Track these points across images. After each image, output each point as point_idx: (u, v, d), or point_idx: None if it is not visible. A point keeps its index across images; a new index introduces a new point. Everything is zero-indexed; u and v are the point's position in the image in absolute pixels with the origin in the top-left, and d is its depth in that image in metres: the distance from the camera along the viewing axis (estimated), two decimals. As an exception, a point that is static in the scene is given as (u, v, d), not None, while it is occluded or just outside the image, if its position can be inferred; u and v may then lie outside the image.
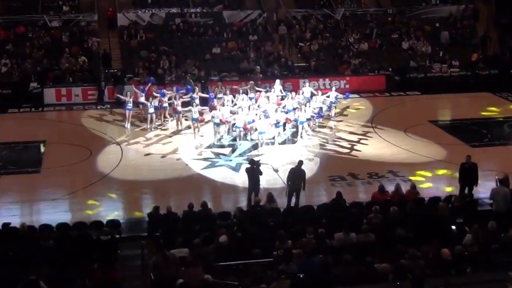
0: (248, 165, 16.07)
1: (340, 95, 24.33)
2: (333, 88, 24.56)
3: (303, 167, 15.74)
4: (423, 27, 33.07)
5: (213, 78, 27.46)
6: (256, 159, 16.61)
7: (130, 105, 22.55)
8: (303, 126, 21.18)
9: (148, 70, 27.71)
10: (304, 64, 30.33)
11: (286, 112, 21.54)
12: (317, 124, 22.44)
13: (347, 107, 25.76)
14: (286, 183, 15.68)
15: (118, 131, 22.73)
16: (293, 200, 15.41)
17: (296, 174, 15.50)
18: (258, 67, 27.77)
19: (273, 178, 17.30)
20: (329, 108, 23.73)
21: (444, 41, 32.44)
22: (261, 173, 15.72)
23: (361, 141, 21.39)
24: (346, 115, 24.64)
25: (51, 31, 30.31)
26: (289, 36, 31.90)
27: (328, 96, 23.63)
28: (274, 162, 18.91)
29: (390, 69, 29.84)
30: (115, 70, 28.46)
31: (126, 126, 22.73)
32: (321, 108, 22.78)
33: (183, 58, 29.21)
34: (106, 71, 28.20)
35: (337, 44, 31.68)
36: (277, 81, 24.40)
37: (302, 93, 23.43)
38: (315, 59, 29.97)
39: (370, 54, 31.05)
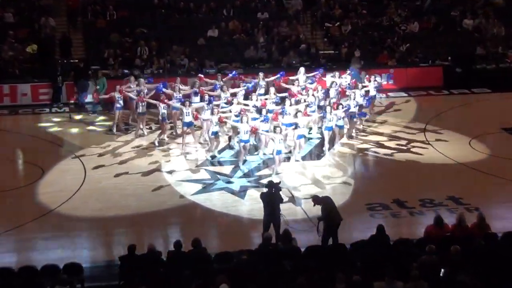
0: (265, 189, 16.13)
1: (378, 80, 24.31)
2: (372, 79, 24.26)
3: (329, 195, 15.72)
4: (493, 2, 33.11)
5: (208, 71, 27.55)
6: (275, 180, 16.65)
7: (120, 104, 23.12)
8: (328, 133, 21.20)
9: (121, 59, 27.84)
10: (333, 51, 30.44)
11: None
12: (348, 129, 22.31)
13: (392, 108, 25.81)
14: (318, 220, 15.57)
15: (80, 142, 22.82)
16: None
17: (333, 206, 15.51)
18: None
19: (288, 208, 17.28)
20: (368, 103, 23.37)
21: (523, 19, 32.52)
22: (281, 200, 15.88)
23: (411, 155, 21.39)
24: (389, 120, 24.71)
25: (-10, 8, 30.58)
26: (312, 14, 31.99)
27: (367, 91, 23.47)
28: (291, 185, 18.94)
29: (449, 58, 29.87)
30: (77, 61, 28.60)
31: (113, 130, 23.38)
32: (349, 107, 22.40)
33: (168, 43, 29.33)
34: (65, 61, 28.33)
35: (377, 24, 31.76)
36: (301, 69, 24.53)
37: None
38: (347, 45, 30.05)
39: (422, 38, 31.13)
